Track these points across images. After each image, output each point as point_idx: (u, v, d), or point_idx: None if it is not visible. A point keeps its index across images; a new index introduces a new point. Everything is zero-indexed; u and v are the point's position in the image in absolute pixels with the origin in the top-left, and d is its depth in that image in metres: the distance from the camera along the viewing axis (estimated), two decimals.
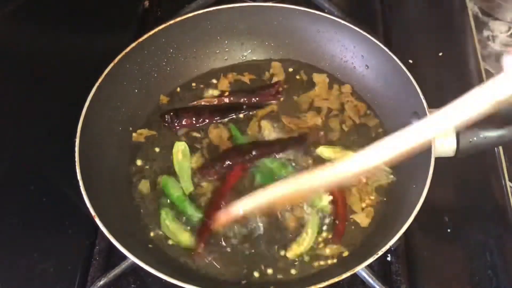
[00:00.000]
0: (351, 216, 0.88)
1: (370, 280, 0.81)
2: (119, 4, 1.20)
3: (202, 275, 0.82)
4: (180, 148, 0.94)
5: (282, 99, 1.01)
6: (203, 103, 1.01)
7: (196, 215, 0.87)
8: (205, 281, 0.81)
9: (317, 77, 1.03)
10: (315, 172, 0.70)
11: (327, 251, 0.85)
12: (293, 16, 1.01)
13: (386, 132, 0.96)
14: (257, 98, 1.00)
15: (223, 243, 0.85)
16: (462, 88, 1.08)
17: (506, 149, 1.00)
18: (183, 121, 0.97)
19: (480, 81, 1.07)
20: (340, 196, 0.88)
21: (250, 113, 0.99)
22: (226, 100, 1.00)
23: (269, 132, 0.97)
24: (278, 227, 0.87)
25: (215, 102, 1.01)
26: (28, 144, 0.99)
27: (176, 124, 0.97)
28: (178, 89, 1.02)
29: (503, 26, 1.22)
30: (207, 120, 0.98)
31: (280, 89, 1.01)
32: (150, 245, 0.86)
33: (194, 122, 0.98)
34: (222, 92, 1.02)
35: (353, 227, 0.87)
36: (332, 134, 0.97)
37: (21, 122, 1.01)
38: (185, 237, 0.86)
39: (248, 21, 1.03)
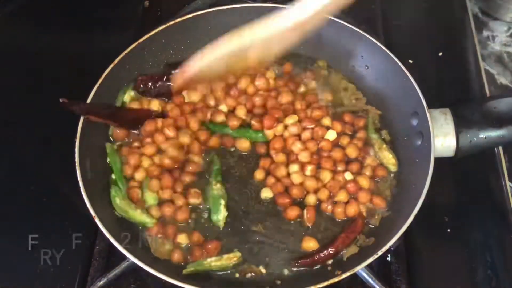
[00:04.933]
0: None
1: (370, 280, 0.81)
2: (119, 4, 1.20)
3: (201, 275, 0.83)
4: (113, 149, 0.91)
5: None
6: None
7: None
8: (204, 280, 0.82)
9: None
10: (268, 21, 0.73)
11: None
12: None
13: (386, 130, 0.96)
14: None
15: None
16: (462, 88, 1.09)
17: (506, 149, 1.00)
18: (156, 83, 0.95)
19: (480, 81, 1.07)
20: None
21: None
22: None
23: None
24: None
25: None
26: (28, 144, 0.98)
27: (152, 87, 0.95)
28: None
29: (503, 26, 1.21)
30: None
31: None
32: None
33: (164, 80, 0.95)
34: None
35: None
36: None
37: (22, 122, 1.01)
38: (135, 214, 0.84)
39: (248, 22, 1.03)
